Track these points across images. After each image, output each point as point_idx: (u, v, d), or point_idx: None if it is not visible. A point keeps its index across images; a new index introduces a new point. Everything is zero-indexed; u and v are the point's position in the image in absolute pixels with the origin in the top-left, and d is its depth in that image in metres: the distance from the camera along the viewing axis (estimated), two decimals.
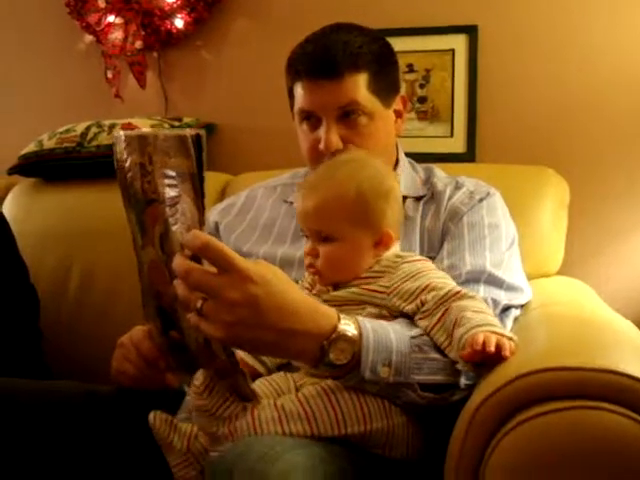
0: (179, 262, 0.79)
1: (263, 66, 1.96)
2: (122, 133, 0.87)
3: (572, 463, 0.72)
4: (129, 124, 1.81)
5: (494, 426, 0.76)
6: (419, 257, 1.03)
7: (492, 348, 0.84)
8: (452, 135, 1.82)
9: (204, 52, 2.00)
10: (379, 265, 1.00)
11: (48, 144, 1.83)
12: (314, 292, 1.03)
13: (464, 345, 0.88)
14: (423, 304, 0.94)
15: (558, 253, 1.53)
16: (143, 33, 1.93)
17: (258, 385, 0.98)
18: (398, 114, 1.27)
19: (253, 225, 1.33)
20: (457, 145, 1.81)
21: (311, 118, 1.20)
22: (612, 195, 1.71)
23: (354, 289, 1.00)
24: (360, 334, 0.87)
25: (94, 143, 1.79)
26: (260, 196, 1.39)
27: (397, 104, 1.26)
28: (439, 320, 0.93)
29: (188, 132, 0.77)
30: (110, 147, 1.78)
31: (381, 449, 0.92)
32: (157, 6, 1.92)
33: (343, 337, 0.86)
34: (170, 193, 0.81)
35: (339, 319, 0.87)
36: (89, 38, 2.05)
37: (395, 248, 1.04)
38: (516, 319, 1.11)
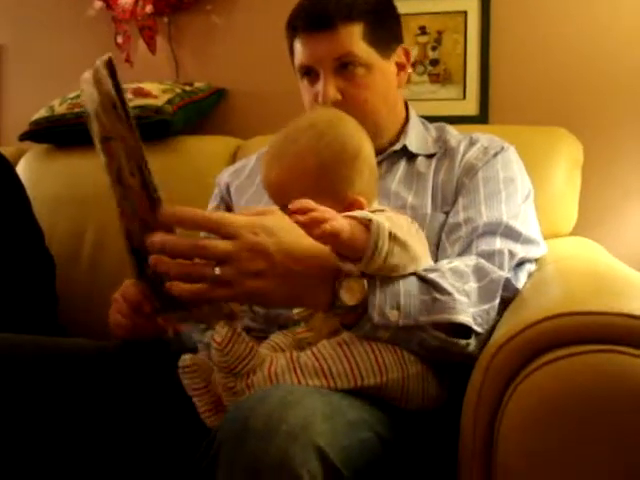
0: (176, 242, 0.80)
1: (273, 30, 1.91)
2: (85, 76, 0.83)
3: (590, 406, 0.71)
4: (140, 88, 1.81)
5: (511, 371, 0.76)
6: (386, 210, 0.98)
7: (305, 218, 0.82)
8: (465, 97, 1.81)
9: (214, 16, 2.00)
10: None
11: (59, 109, 1.83)
12: None
13: None
14: None
15: (572, 213, 1.52)
16: None
17: (277, 337, 0.99)
18: (400, 67, 1.25)
19: (260, 191, 1.33)
20: (470, 107, 1.80)
21: (310, 73, 1.20)
22: (625, 155, 1.70)
23: None
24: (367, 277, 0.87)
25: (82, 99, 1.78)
26: (252, 165, 1.38)
27: (399, 57, 1.25)
28: None
29: (98, 61, 0.76)
30: None
31: (397, 401, 0.92)
32: None
33: (351, 276, 0.86)
34: (107, 125, 0.79)
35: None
36: (99, 4, 2.04)
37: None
38: (530, 274, 1.10)
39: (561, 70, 1.74)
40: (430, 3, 1.80)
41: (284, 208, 0.94)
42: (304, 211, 0.82)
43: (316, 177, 0.95)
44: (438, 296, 0.90)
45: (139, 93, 1.79)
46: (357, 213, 0.87)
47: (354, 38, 1.16)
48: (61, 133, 1.85)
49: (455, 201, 1.15)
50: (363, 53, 1.17)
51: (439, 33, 1.81)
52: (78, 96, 1.84)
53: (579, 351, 0.73)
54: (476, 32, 1.78)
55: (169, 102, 1.78)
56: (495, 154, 1.19)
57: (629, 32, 1.69)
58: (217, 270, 0.81)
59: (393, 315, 0.88)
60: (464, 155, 1.20)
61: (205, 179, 1.62)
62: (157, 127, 1.75)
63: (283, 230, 0.84)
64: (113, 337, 1.09)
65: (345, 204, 0.95)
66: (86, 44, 2.09)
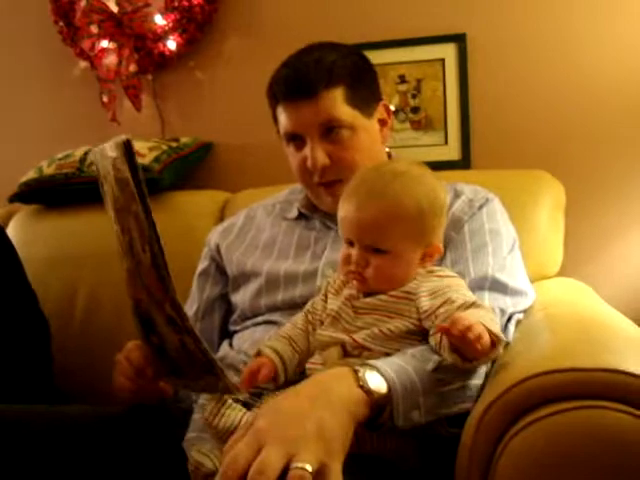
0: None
1: (257, 83, 1.94)
2: (96, 148, 0.89)
3: (580, 462, 0.73)
4: None
5: (501, 429, 0.78)
6: (450, 273, 1.04)
7: (472, 334, 0.83)
8: (446, 143, 1.84)
9: (198, 72, 2.03)
10: None
11: (48, 170, 1.85)
12: (341, 298, 1.03)
13: (446, 319, 0.89)
14: (437, 317, 0.94)
15: (557, 255, 1.54)
16: (137, 56, 1.96)
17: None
18: (382, 123, 1.29)
19: (254, 243, 1.35)
20: (452, 153, 1.83)
21: (296, 139, 1.23)
22: (606, 196, 1.73)
23: (383, 296, 1.00)
24: (388, 387, 0.88)
25: (93, 167, 1.80)
26: (259, 215, 1.41)
27: (380, 113, 1.28)
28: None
29: (116, 140, 0.80)
30: None
31: (393, 460, 0.93)
32: (149, 29, 1.95)
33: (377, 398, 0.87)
34: (120, 200, 0.83)
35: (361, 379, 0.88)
36: (83, 64, 2.08)
37: None
38: (519, 321, 1.12)
39: (540, 113, 1.78)
40: (408, 52, 1.84)
41: (367, 245, 0.98)
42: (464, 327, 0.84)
43: (412, 222, 0.98)
44: (456, 386, 0.92)
45: None
46: (494, 328, 0.87)
47: (337, 102, 1.18)
48: (50, 194, 1.87)
49: (443, 256, 1.17)
50: (346, 116, 1.19)
51: (418, 81, 1.85)
52: (67, 156, 1.86)
53: (566, 407, 0.76)
54: (454, 78, 1.82)
55: (156, 160, 1.80)
56: (480, 206, 1.21)
57: (606, 75, 1.74)
58: None
59: (415, 415, 0.89)
60: (450, 208, 1.22)
61: (195, 234, 1.65)
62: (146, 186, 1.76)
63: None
64: (117, 398, 1.10)
65: (427, 250, 1.01)
66: (72, 104, 2.12)
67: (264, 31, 1.98)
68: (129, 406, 1.12)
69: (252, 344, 1.18)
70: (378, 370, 0.89)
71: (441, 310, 0.94)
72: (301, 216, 1.34)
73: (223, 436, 0.88)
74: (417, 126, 1.85)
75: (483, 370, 0.95)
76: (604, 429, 0.74)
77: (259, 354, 1.03)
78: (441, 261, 1.16)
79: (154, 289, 0.84)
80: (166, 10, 1.95)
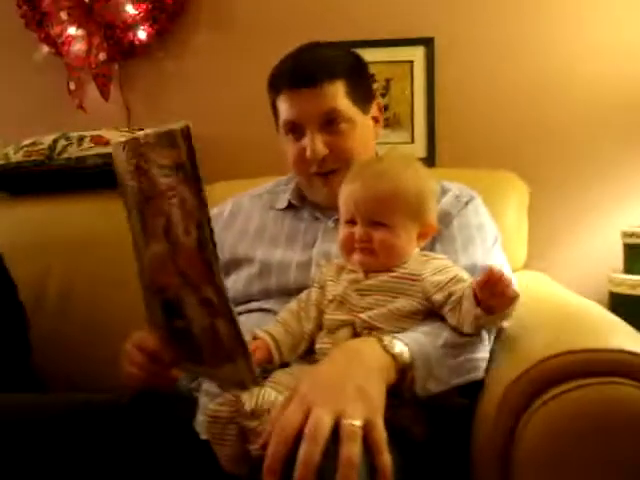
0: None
1: (226, 76, 2.01)
2: (118, 141, 0.92)
3: (597, 430, 0.82)
4: (99, 136, 1.82)
5: (525, 403, 0.86)
6: (442, 256, 1.12)
7: (502, 277, 0.93)
8: (413, 141, 1.93)
9: (167, 63, 2.03)
10: (408, 259, 1.08)
11: (15, 157, 1.82)
12: (343, 283, 1.08)
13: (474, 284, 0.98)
14: (451, 295, 1.02)
15: (522, 250, 1.66)
16: (106, 45, 1.94)
17: (280, 376, 1.02)
18: (375, 120, 1.35)
19: (244, 230, 1.36)
20: (418, 150, 1.92)
21: (295, 129, 1.27)
22: (560, 194, 1.88)
23: (385, 277, 1.06)
24: (410, 355, 0.95)
25: (64, 156, 1.79)
26: (246, 204, 1.43)
27: (374, 111, 1.34)
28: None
29: (175, 126, 0.82)
30: (82, 159, 1.79)
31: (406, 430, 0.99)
32: (119, 18, 1.93)
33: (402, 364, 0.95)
34: (165, 185, 0.85)
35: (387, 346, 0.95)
36: (46, 49, 2.03)
37: None
38: None
39: (503, 114, 1.90)
40: (379, 53, 1.90)
41: (369, 220, 1.06)
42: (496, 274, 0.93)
43: (411, 201, 1.07)
44: (465, 358, 1.00)
45: (99, 141, 1.80)
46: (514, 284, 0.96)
47: (338, 95, 1.24)
48: (17, 181, 1.83)
49: (432, 248, 1.23)
50: (346, 109, 1.25)
51: (387, 81, 1.92)
52: (34, 143, 1.83)
53: (585, 384, 0.85)
54: (422, 80, 1.91)
55: None
56: (467, 202, 1.29)
57: (569, 79, 1.87)
58: None
59: (430, 384, 0.96)
60: (438, 203, 1.29)
61: None
62: None
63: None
64: (125, 387, 1.11)
65: (422, 228, 1.10)
66: (33, 91, 2.08)
67: (235, 25, 2.00)
68: (134, 394, 1.13)
69: (246, 331, 1.21)
70: (400, 340, 0.96)
71: (457, 288, 1.02)
72: (289, 207, 1.37)
73: (259, 416, 0.92)
74: (385, 124, 1.92)
75: (487, 345, 1.04)
76: (617, 402, 0.83)
77: (255, 338, 1.07)
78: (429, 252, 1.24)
79: (193, 271, 0.86)
80: (137, 0, 1.94)
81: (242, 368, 0.90)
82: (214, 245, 0.84)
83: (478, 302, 0.97)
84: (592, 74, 1.85)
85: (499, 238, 1.30)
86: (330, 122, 1.24)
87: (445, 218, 1.24)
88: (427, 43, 1.90)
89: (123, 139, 0.91)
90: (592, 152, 1.87)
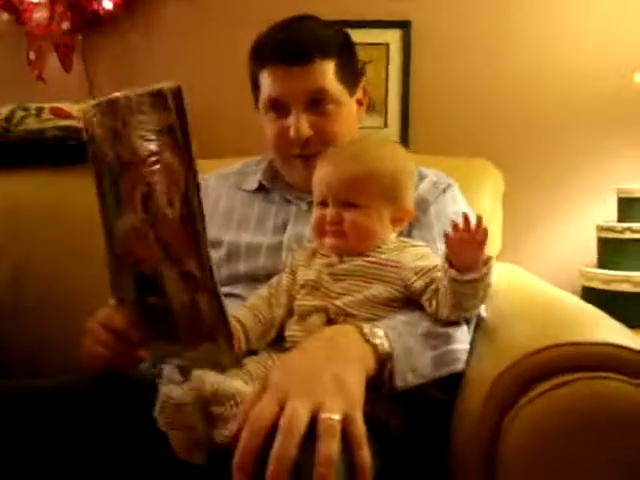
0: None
1: (196, 51, 1.94)
2: (91, 103, 0.86)
3: (587, 426, 0.78)
4: (59, 108, 1.73)
5: (511, 398, 0.82)
6: (421, 243, 1.09)
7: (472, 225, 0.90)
8: (386, 126, 1.88)
9: (133, 36, 1.95)
10: (385, 245, 1.04)
11: None
12: (316, 267, 1.04)
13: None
14: (432, 282, 0.98)
15: (496, 241, 1.62)
16: (69, 14, 1.85)
17: (247, 363, 0.97)
18: (359, 103, 1.30)
19: (211, 212, 1.31)
20: (391, 136, 1.87)
21: (278, 106, 1.20)
22: (540, 183, 1.85)
23: (360, 261, 1.02)
24: (390, 345, 0.91)
25: (22, 127, 1.70)
26: (212, 184, 1.37)
27: (359, 93, 1.29)
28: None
29: (164, 86, 0.77)
30: (41, 132, 1.70)
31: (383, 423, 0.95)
32: None
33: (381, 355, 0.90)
34: (147, 150, 0.80)
35: (367, 334, 0.90)
36: (5, 16, 1.93)
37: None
38: None
39: (478, 101, 1.87)
40: (354, 34, 1.83)
41: (341, 201, 1.02)
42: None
43: (386, 182, 1.04)
44: (445, 349, 0.96)
45: (58, 114, 1.71)
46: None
47: (328, 74, 1.18)
48: None
49: (409, 234, 1.20)
50: (335, 90, 1.19)
51: (363, 63, 1.87)
52: None
53: (573, 379, 0.80)
54: (398, 64, 1.87)
55: None
56: (444, 190, 1.26)
57: (546, 65, 1.85)
58: None
59: (410, 377, 0.91)
60: (415, 189, 1.25)
61: None
62: (79, 150, 1.67)
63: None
64: (87, 367, 1.04)
65: (397, 213, 1.06)
66: None
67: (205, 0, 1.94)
68: (95, 378, 1.06)
69: None
70: (379, 328, 0.92)
71: (438, 275, 0.98)
72: (259, 189, 1.31)
73: (223, 402, 0.87)
74: None
75: (467, 336, 1.00)
76: (606, 398, 0.79)
77: None
78: (406, 237, 1.19)
79: (176, 243, 0.81)
80: None
81: (223, 348, 0.86)
82: (202, 216, 0.79)
83: (450, 265, 0.93)
84: (569, 64, 1.84)
85: None
86: (316, 102, 1.19)
87: (422, 204, 1.21)
88: (404, 26, 1.85)
89: (96, 101, 0.84)
90: (568, 143, 1.85)
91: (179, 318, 0.87)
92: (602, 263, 1.70)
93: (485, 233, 0.92)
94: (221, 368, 0.89)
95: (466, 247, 0.92)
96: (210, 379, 0.88)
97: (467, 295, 0.95)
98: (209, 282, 0.81)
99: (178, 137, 0.76)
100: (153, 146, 0.78)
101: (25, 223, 1.64)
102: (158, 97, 0.76)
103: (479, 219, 0.92)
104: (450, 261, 0.93)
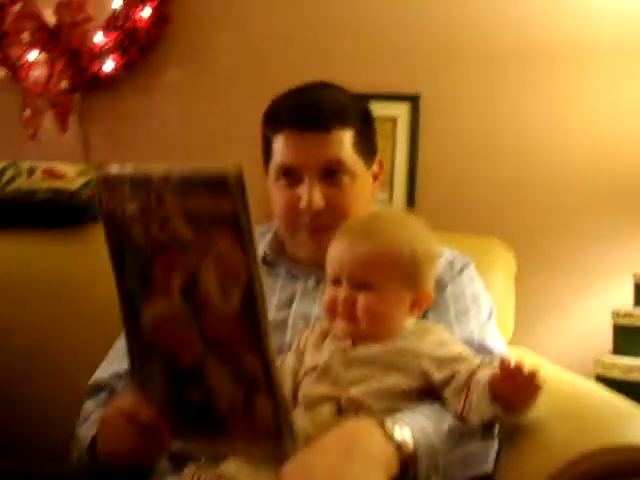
0: None
1: (196, 117, 1.90)
2: (105, 172, 0.79)
3: None
4: (51, 169, 1.65)
5: None
6: (439, 326, 1.03)
7: (525, 370, 0.83)
8: (391, 201, 1.82)
9: (133, 98, 1.90)
10: (402, 329, 0.98)
11: None
12: (326, 351, 0.97)
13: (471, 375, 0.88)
14: (454, 375, 0.91)
15: (509, 323, 1.54)
16: (69, 73, 1.80)
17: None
18: (375, 177, 1.25)
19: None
20: None
21: (291, 174, 1.14)
22: (553, 265, 1.79)
23: (377, 349, 0.95)
24: (414, 444, 0.84)
25: (11, 187, 1.62)
26: None
27: (376, 167, 1.24)
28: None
29: (226, 170, 0.69)
30: (31, 193, 1.62)
31: None
32: (86, 45, 1.81)
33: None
34: (194, 236, 0.73)
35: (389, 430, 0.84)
36: (3, 72, 1.88)
37: None
38: None
39: (488, 179, 1.82)
40: None
41: (355, 281, 0.95)
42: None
43: (404, 264, 0.97)
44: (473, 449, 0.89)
45: (50, 174, 1.64)
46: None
47: (345, 144, 1.13)
48: None
49: (424, 315, 1.12)
50: (352, 161, 1.14)
51: None
52: None
53: None
54: (405, 138, 1.82)
55: (85, 186, 1.64)
56: (461, 270, 1.20)
57: (554, 145, 1.81)
58: None
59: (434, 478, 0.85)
60: None
61: None
62: (71, 213, 1.61)
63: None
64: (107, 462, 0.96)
65: (416, 296, 0.99)
66: None
67: (208, 64, 1.90)
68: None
69: None
70: (402, 424, 0.85)
71: (462, 368, 0.91)
72: (263, 262, 1.23)
73: None
74: None
75: (494, 432, 0.93)
76: None
77: None
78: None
79: (228, 339, 0.75)
80: (108, 28, 1.83)
81: (288, 447, 0.78)
82: (266, 311, 0.73)
83: (494, 397, 0.86)
84: (585, 143, 1.80)
85: (494, 310, 1.22)
86: (331, 173, 1.13)
87: (438, 284, 1.14)
88: (413, 100, 1.82)
89: (107, 171, 0.78)
90: (583, 225, 1.80)
91: (226, 413, 0.80)
92: (618, 350, 1.62)
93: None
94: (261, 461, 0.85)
95: (516, 392, 0.86)
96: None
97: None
98: (271, 382, 0.74)
99: (242, 227, 0.70)
100: (203, 232, 0.72)
101: (9, 290, 1.54)
102: (217, 182, 0.70)
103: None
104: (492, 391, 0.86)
